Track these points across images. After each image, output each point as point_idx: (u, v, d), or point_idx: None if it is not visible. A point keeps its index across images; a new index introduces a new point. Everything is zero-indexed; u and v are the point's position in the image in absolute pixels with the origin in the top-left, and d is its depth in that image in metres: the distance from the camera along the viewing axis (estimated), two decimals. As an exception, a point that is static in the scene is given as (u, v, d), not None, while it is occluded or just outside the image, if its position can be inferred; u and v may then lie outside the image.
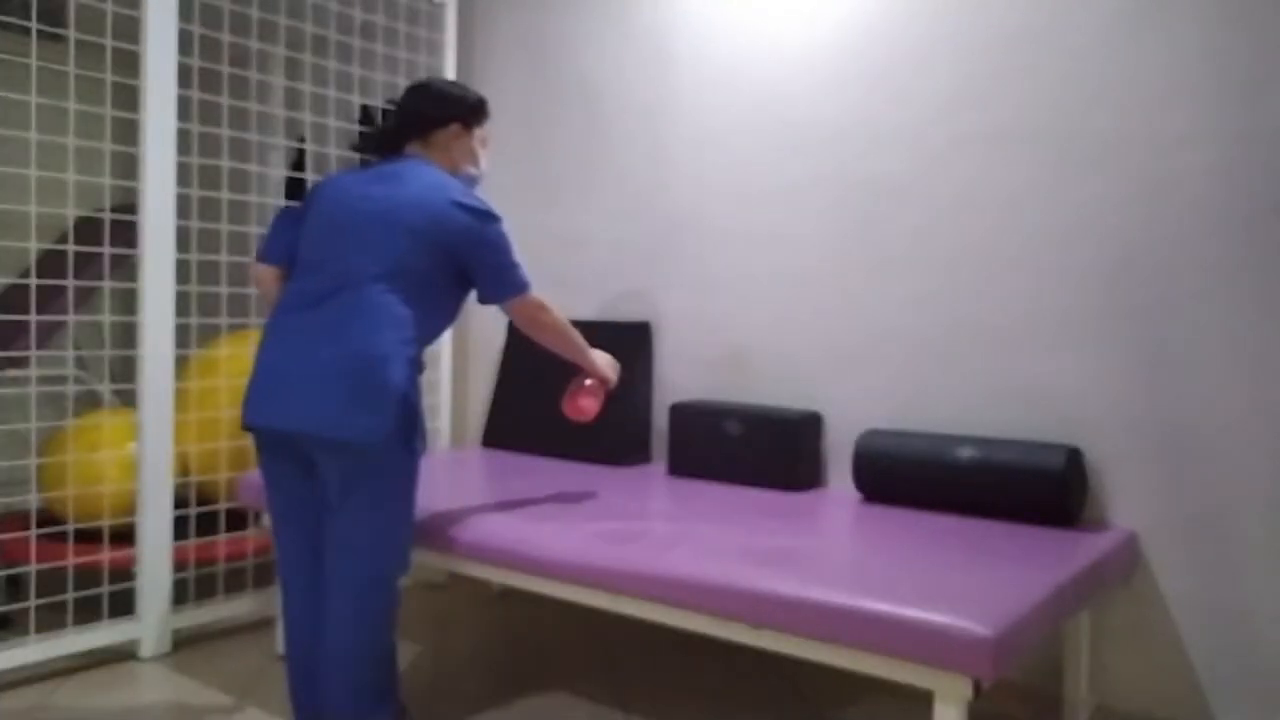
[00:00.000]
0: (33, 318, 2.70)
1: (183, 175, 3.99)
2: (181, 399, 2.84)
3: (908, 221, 2.63)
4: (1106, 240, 2.34)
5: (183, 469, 2.90)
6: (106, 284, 2.96)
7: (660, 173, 3.12)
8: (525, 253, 3.46)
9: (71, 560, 2.64)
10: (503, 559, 2.10)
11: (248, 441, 2.95)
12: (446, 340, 3.46)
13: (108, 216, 2.78)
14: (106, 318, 2.72)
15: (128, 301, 4.74)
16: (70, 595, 2.59)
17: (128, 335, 4.78)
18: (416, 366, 1.98)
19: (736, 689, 2.51)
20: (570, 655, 2.73)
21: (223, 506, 2.87)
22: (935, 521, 2.26)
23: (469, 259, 2.01)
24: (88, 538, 2.85)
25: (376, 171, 2.05)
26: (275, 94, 4.00)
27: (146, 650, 2.64)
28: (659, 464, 3.07)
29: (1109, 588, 2.17)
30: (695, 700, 2.44)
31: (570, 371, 2.53)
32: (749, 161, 2.92)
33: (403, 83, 3.48)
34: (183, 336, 3.68)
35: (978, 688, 1.55)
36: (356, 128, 3.74)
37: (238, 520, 3.14)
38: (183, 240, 4.05)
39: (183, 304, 4.08)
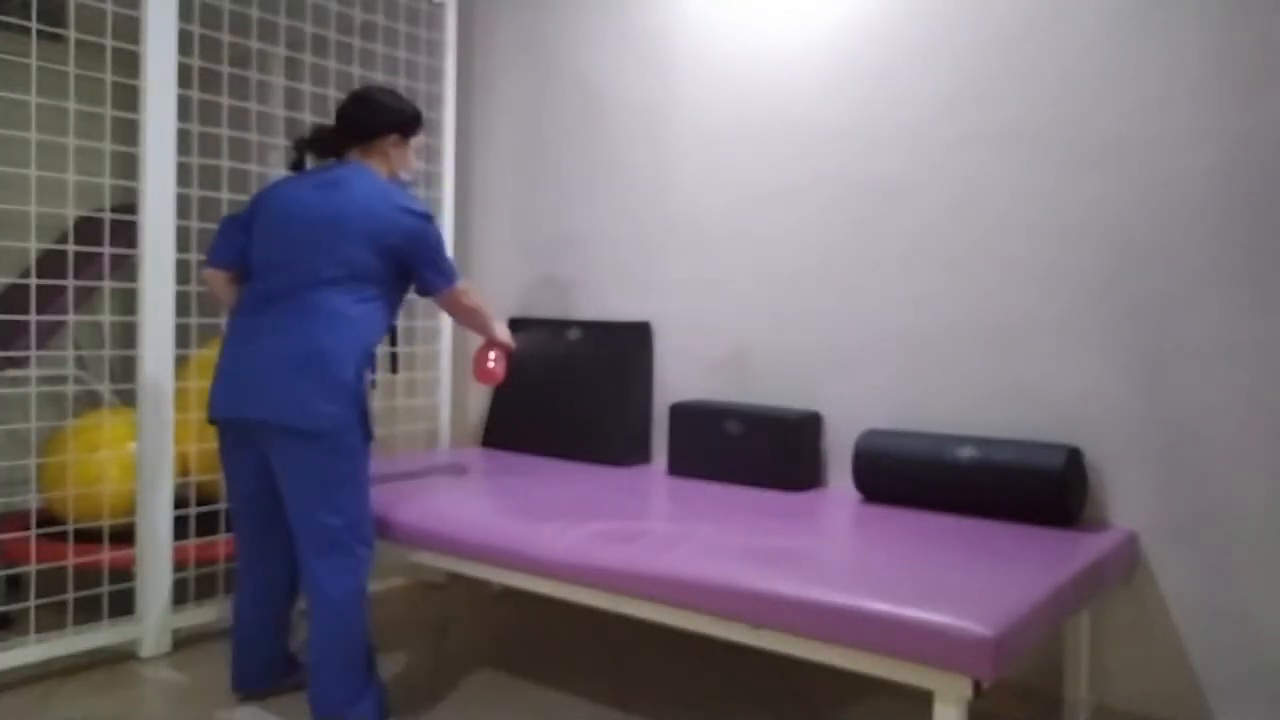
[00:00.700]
0: (33, 318, 2.70)
1: (183, 175, 3.99)
2: (181, 399, 2.84)
3: (908, 221, 2.63)
4: (1106, 240, 2.34)
5: (183, 469, 2.90)
6: (106, 284, 2.95)
7: (660, 173, 3.12)
8: (525, 252, 3.47)
9: (71, 560, 2.64)
10: (503, 559, 2.11)
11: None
12: (446, 340, 3.46)
13: (108, 216, 2.78)
14: (106, 318, 2.72)
15: (128, 301, 4.74)
16: (70, 595, 2.59)
17: (128, 335, 4.78)
18: (367, 362, 2.16)
19: (736, 689, 2.51)
20: (570, 655, 2.73)
21: (223, 506, 2.87)
22: (935, 521, 2.26)
23: (413, 257, 2.21)
24: (88, 538, 2.85)
25: (320, 177, 2.22)
26: (275, 94, 4.00)
27: (146, 650, 2.64)
28: (659, 464, 3.07)
29: (1109, 588, 2.17)
30: (695, 700, 2.44)
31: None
32: (749, 161, 2.92)
33: (403, 83, 3.48)
34: (183, 336, 3.69)
35: (978, 688, 1.55)
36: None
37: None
38: (183, 240, 4.06)
39: (183, 304, 4.08)
